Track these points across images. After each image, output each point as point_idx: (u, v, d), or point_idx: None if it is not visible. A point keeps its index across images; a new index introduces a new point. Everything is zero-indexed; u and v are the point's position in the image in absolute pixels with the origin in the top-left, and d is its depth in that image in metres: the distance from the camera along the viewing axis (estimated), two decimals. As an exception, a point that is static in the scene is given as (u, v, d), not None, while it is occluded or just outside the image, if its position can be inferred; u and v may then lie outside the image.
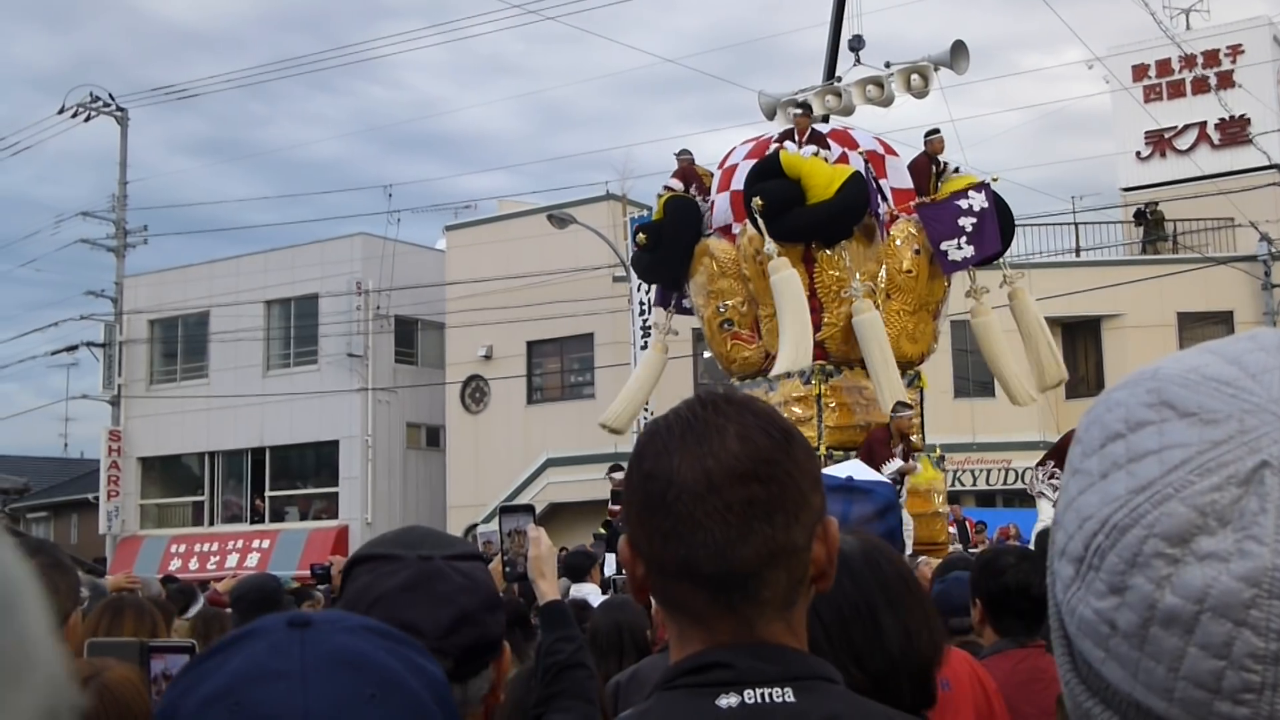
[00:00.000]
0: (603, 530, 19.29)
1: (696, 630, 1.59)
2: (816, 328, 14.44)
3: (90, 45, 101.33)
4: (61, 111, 36.42)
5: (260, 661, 1.17)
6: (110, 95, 37.02)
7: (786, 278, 14.05)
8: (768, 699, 1.51)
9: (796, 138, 14.79)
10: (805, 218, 14.07)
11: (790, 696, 1.51)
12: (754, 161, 14.93)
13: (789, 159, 14.26)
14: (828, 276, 14.44)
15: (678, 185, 15.97)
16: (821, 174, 14.10)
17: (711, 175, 16.03)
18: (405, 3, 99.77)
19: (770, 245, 14.03)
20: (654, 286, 17.51)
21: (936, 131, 15.69)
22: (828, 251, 14.40)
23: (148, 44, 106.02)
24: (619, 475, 19.68)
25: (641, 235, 15.79)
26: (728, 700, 1.51)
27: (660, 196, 16.21)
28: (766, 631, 1.56)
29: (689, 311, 16.50)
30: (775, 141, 15.07)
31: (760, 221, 14.05)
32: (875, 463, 13.92)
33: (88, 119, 36.74)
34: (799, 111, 15.39)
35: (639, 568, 1.61)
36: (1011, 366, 15.52)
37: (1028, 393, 15.54)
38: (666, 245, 15.45)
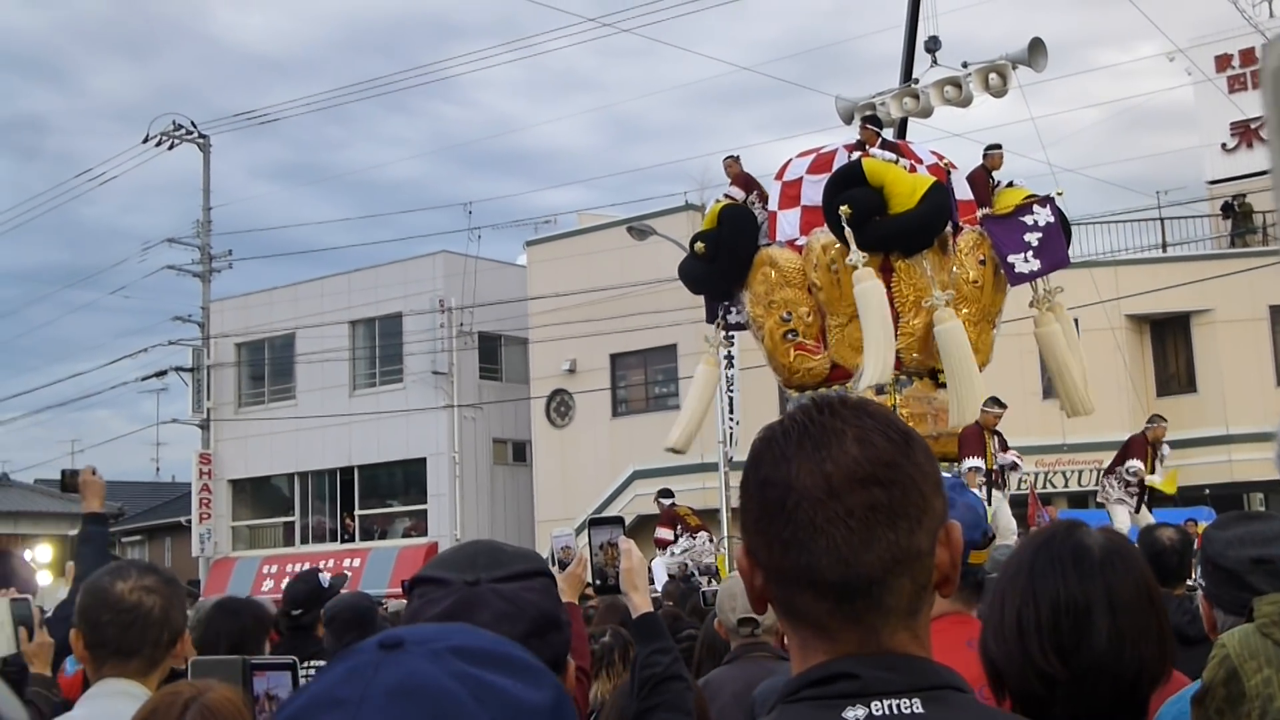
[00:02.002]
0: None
1: (820, 641, 1.55)
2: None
3: (170, 76, 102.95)
4: (146, 141, 36.93)
5: (331, 687, 1.17)
6: (192, 123, 37.50)
7: (871, 288, 13.92)
8: (895, 710, 1.47)
9: (867, 150, 14.65)
10: (888, 227, 13.91)
11: (919, 708, 1.47)
12: (820, 176, 14.79)
13: (872, 166, 14.10)
14: (905, 286, 14.31)
15: (739, 194, 15.78)
16: (904, 183, 13.95)
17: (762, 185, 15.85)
18: (476, 22, 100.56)
19: (856, 254, 13.87)
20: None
21: (998, 147, 15.55)
22: (906, 261, 14.25)
23: (226, 72, 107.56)
24: (667, 501, 19.72)
25: (700, 245, 15.51)
26: (854, 712, 1.47)
27: (716, 203, 16.04)
28: (892, 641, 1.52)
29: (740, 326, 16.27)
30: (850, 150, 14.90)
31: (848, 230, 13.89)
32: (961, 456, 14.25)
33: (171, 147, 37.21)
34: (871, 127, 15.24)
35: (758, 577, 1.58)
36: (1074, 377, 15.34)
37: (1088, 403, 15.35)
38: (724, 255, 15.28)
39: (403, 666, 1.17)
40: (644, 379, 33.26)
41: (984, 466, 14.64)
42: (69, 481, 6.23)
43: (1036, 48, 17.29)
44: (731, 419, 26.49)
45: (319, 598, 6.91)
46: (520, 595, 2.00)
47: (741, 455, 26.35)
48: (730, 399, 26.54)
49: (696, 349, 30.35)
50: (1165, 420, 16.98)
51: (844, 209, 13.83)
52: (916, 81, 18.49)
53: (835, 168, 14.65)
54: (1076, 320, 27.87)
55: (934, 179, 14.16)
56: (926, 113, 18.14)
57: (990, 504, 14.41)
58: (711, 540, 19.75)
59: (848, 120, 18.37)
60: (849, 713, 1.47)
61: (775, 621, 5.03)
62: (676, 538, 19.31)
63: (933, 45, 18.67)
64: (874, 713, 1.47)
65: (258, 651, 5.09)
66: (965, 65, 17.92)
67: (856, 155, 14.51)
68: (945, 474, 3.44)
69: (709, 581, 15.87)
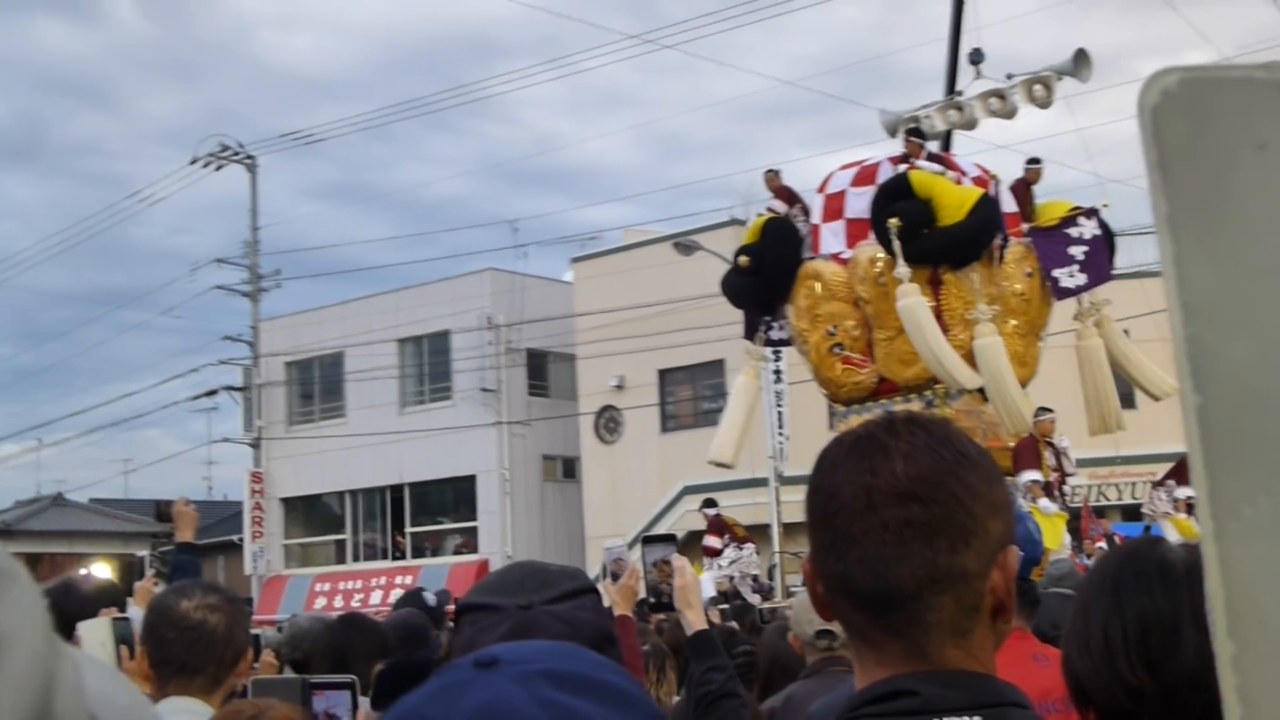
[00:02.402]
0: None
1: (870, 653, 1.57)
2: (940, 350, 14.26)
3: (217, 98, 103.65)
4: (193, 162, 37.11)
5: (420, 705, 1.17)
6: (239, 144, 37.69)
7: (916, 305, 13.83)
8: None
9: (912, 162, 14.56)
10: (937, 240, 13.78)
11: None
12: (863, 189, 14.71)
13: (919, 178, 14.00)
14: (954, 300, 14.18)
15: (781, 208, 15.67)
16: (952, 195, 13.84)
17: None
18: (518, 41, 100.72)
19: (902, 269, 13.78)
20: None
21: (1038, 161, 15.44)
22: (955, 274, 14.15)
23: (271, 93, 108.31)
24: (711, 510, 19.71)
25: (744, 258, 15.31)
26: None
27: (759, 216, 15.95)
28: (941, 657, 1.53)
29: (783, 342, 16.15)
30: (894, 163, 14.83)
31: (896, 243, 13.78)
32: (1018, 470, 14.15)
33: (218, 168, 37.36)
34: (915, 139, 15.16)
35: (818, 584, 1.61)
36: (1142, 367, 15.20)
37: (1167, 382, 15.18)
38: (769, 268, 15.18)
39: (489, 689, 1.16)
40: (692, 394, 33.23)
41: (1043, 479, 14.55)
42: (163, 512, 6.42)
43: (1081, 58, 17.24)
44: (781, 434, 26.40)
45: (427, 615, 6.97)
46: (574, 615, 2.02)
47: (792, 470, 26.36)
48: (780, 413, 26.46)
49: (744, 364, 30.32)
50: None
51: (893, 221, 13.70)
52: (960, 94, 18.45)
53: (880, 180, 14.58)
54: (1128, 331, 27.80)
55: (982, 191, 14.07)
56: (971, 125, 18.09)
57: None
58: (757, 553, 19.73)
59: (892, 134, 18.33)
60: None
61: None
62: (724, 547, 19.27)
63: (976, 57, 18.61)
64: None
65: (368, 670, 5.14)
66: (1010, 77, 17.87)
67: (902, 168, 14.43)
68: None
69: (763, 599, 15.84)
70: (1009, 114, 17.65)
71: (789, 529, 26.74)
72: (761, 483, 27.43)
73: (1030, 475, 14.36)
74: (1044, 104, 17.48)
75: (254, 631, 8.32)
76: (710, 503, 20.18)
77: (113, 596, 5.61)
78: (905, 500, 1.51)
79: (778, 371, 25.63)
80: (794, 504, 26.54)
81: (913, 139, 15.13)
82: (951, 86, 18.94)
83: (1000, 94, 17.70)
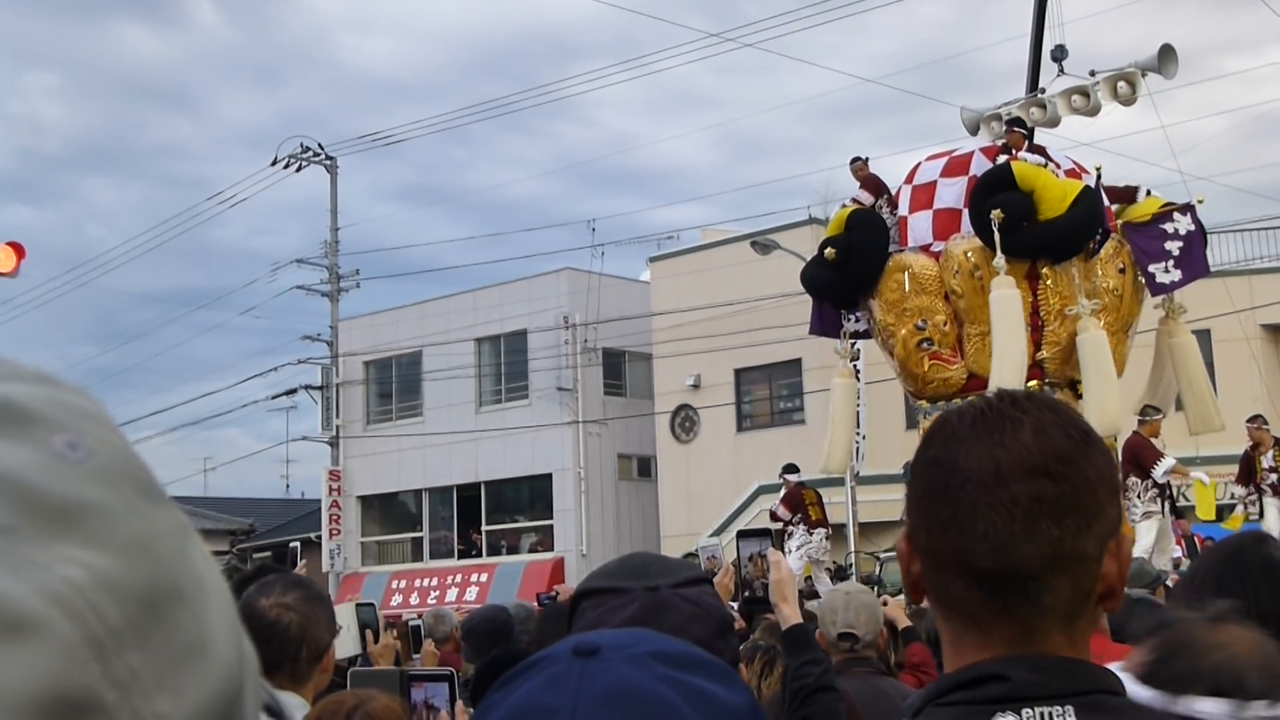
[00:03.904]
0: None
1: (972, 634, 1.52)
2: (1037, 346, 14.04)
3: (297, 101, 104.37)
4: (274, 164, 37.39)
5: (537, 695, 1.14)
6: (319, 145, 37.97)
7: (1007, 297, 13.63)
8: (1047, 718, 1.43)
9: (1014, 154, 14.33)
10: (1038, 234, 13.54)
11: (1071, 716, 1.43)
12: (954, 179, 14.53)
13: (1022, 170, 13.74)
14: (1052, 295, 13.96)
15: (866, 199, 15.42)
16: (1054, 188, 13.59)
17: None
18: (595, 42, 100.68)
19: (1000, 260, 13.58)
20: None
21: (1148, 192, 15.24)
22: (1055, 269, 13.92)
23: (351, 96, 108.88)
24: (793, 477, 19.59)
25: (830, 250, 15.00)
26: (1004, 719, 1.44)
27: (843, 208, 15.71)
28: (1045, 642, 1.49)
29: (863, 334, 15.95)
30: (990, 155, 14.64)
31: (996, 235, 13.56)
32: (1147, 466, 14.38)
33: (299, 169, 37.64)
34: (1018, 130, 14.92)
35: (915, 564, 1.56)
36: (1205, 392, 15.10)
37: (1219, 419, 15.14)
38: (856, 261, 14.93)
39: (610, 672, 1.14)
40: (768, 394, 33.17)
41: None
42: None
43: (1167, 54, 17.03)
44: (857, 433, 26.24)
45: None
46: (702, 599, 2.02)
47: (867, 470, 26.24)
48: (857, 413, 26.32)
49: (821, 363, 30.17)
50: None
51: (996, 213, 13.42)
52: (1043, 91, 18.29)
53: (972, 171, 14.38)
54: (1209, 330, 27.45)
55: (1085, 184, 13.84)
56: (1054, 122, 17.93)
57: (1164, 516, 14.64)
58: (827, 539, 19.57)
59: (973, 131, 18.18)
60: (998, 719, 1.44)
61: (875, 636, 5.01)
62: (792, 523, 19.07)
63: (1059, 54, 18.43)
64: None
65: None
66: (1093, 74, 17.70)
67: (1003, 159, 14.19)
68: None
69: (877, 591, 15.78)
70: (1093, 111, 17.49)
71: (864, 528, 26.60)
72: (837, 483, 27.31)
73: (1166, 462, 14.61)
74: (1128, 101, 17.30)
75: (412, 622, 8.49)
76: (791, 468, 20.02)
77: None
78: (1037, 475, 1.47)
79: (855, 371, 25.46)
80: (870, 504, 26.42)
81: (1016, 129, 14.89)
82: (1034, 83, 18.74)
83: (1084, 91, 17.54)
